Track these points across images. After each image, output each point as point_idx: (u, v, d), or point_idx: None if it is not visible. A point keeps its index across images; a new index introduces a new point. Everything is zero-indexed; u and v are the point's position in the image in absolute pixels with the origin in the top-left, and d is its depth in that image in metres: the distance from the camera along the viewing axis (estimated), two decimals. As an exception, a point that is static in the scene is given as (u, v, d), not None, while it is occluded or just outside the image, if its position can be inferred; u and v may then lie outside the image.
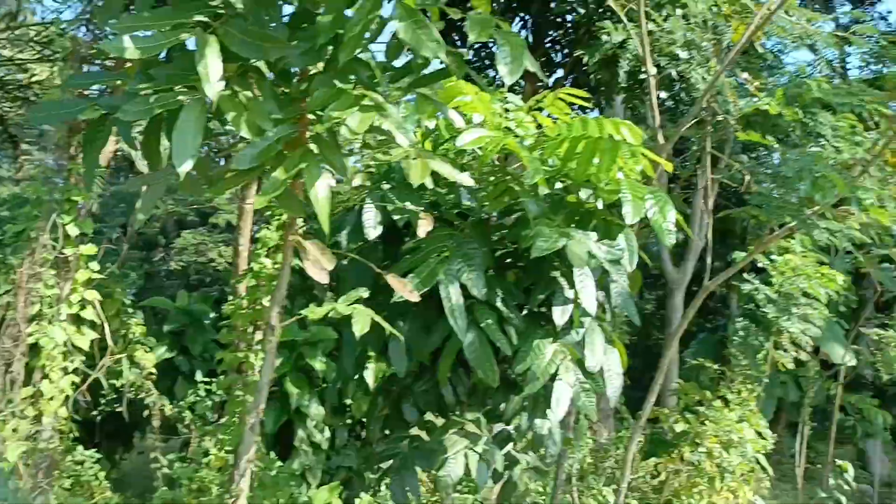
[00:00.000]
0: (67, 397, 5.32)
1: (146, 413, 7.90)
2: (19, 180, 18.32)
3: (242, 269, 9.01)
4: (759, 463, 8.22)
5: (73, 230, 5.50)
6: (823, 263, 8.38)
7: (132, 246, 26.82)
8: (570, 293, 4.15)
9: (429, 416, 5.21)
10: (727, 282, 10.83)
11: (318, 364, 8.39)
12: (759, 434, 8.24)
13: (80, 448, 7.25)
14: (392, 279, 3.86)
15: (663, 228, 3.96)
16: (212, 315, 9.41)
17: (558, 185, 4.42)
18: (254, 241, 6.58)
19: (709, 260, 7.30)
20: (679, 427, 8.05)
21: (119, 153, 6.27)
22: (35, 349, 5.29)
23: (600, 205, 4.18)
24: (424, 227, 4.23)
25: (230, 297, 9.18)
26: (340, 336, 8.75)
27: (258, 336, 6.09)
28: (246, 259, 9.26)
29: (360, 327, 3.59)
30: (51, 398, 5.23)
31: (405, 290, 3.88)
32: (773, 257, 8.58)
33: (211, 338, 9.18)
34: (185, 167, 2.55)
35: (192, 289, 26.56)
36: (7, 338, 5.21)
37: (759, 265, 8.86)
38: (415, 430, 5.30)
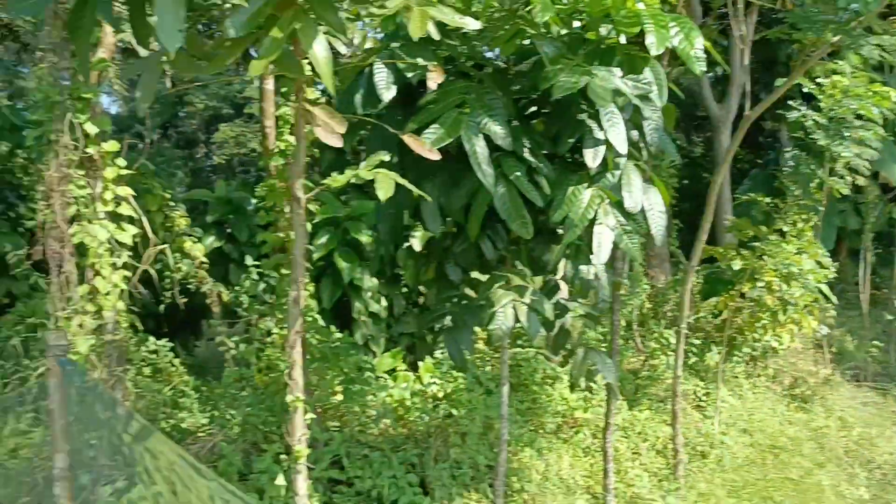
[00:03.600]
0: (122, 291, 5.43)
1: (209, 301, 8.15)
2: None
3: (270, 150, 8.94)
4: (821, 293, 8.06)
5: (91, 128, 5.41)
6: (876, 81, 7.80)
7: (174, 145, 27.05)
8: (599, 135, 3.98)
9: (474, 275, 5.20)
10: (776, 113, 10.27)
11: (364, 237, 8.43)
12: (820, 264, 8.03)
13: (151, 338, 7.58)
14: (408, 139, 3.72)
15: (691, 56, 3.70)
16: (253, 201, 9.45)
17: (576, 24, 4.13)
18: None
19: (749, 89, 6.85)
20: (736, 264, 7.89)
21: (120, 44, 6.05)
22: (81, 249, 5.36)
23: (622, 39, 3.87)
24: (435, 79, 4.04)
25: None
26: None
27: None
28: (273, 140, 9.17)
29: (383, 192, 3.50)
30: (107, 293, 5.35)
31: (423, 148, 3.73)
32: (820, 81, 8.02)
33: (255, 223, 9.25)
34: (174, 44, 2.47)
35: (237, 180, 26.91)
36: (53, 240, 5.29)
37: (807, 91, 8.33)
38: (463, 290, 5.31)
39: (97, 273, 5.44)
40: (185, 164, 25.59)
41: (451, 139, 3.94)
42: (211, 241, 8.59)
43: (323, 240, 8.25)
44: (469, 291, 5.19)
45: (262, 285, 7.40)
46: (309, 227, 4.23)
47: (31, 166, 11.56)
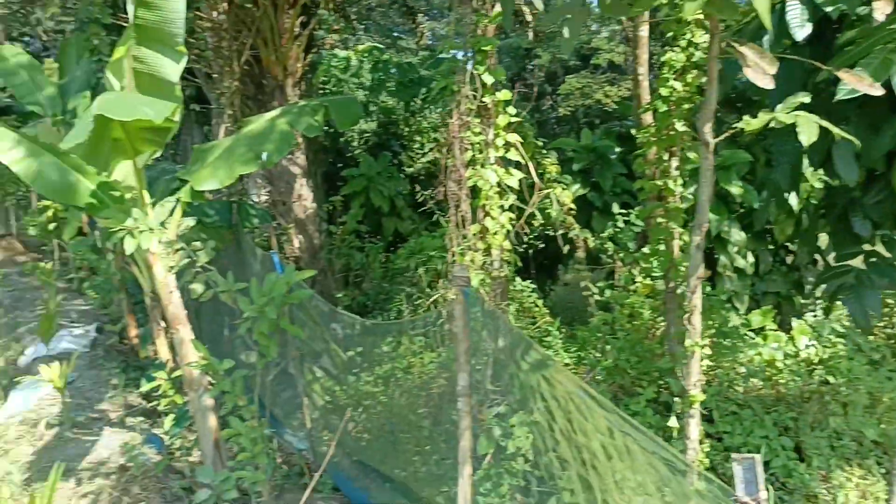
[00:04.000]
0: (508, 231, 5.86)
1: (567, 248, 8.45)
2: (419, 49, 20.36)
3: (645, 99, 8.85)
4: None
5: (487, 79, 5.83)
6: None
7: (521, 97, 28.25)
8: None
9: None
10: None
11: (735, 188, 7.99)
12: None
13: (517, 279, 8.10)
14: (844, 73, 3.38)
15: None
16: (617, 150, 9.49)
17: None
18: (658, 67, 6.28)
19: None
20: None
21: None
22: (474, 191, 5.87)
23: None
24: (882, 9, 3.57)
25: (633, 131, 9.12)
26: (754, 158, 8.19)
27: (674, 163, 5.91)
28: (646, 88, 9.05)
29: (807, 136, 3.23)
30: (494, 233, 5.82)
31: (863, 83, 3.36)
32: None
33: (618, 172, 9.32)
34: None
35: (579, 131, 27.39)
36: (452, 182, 5.88)
37: None
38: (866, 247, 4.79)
39: (487, 214, 5.92)
40: (532, 116, 26.56)
41: (878, 81, 3.51)
42: (576, 188, 8.86)
43: (690, 190, 8.00)
44: (880, 248, 4.65)
45: (629, 232, 7.43)
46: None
47: (412, 119, 13.04)
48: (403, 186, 10.58)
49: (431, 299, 6.68)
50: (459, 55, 6.21)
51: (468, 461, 4.51)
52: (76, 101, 13.19)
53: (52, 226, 15.87)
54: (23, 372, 9.43)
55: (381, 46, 13.21)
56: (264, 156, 5.86)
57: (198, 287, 4.97)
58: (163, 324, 7.91)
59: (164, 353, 7.77)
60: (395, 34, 20.76)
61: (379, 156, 10.89)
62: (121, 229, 4.86)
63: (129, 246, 4.83)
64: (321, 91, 12.46)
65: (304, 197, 10.02)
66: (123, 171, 5.63)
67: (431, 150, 12.18)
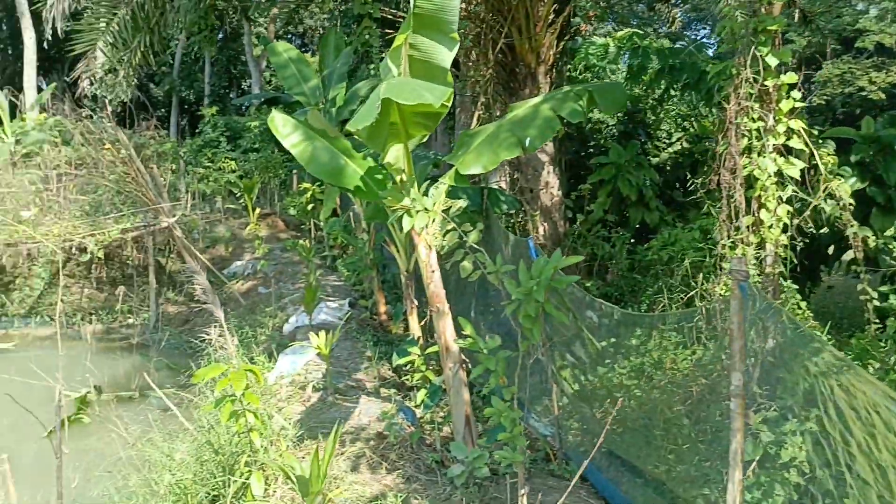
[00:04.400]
0: (785, 225, 5.40)
1: (832, 247, 7.62)
2: (668, 36, 19.58)
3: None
4: None
5: (771, 61, 5.38)
6: None
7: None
8: None
9: None
10: None
11: None
12: None
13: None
14: None
15: None
16: (904, 140, 8.39)
17: None
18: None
19: None
20: None
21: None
22: (749, 180, 5.47)
23: None
24: None
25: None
26: None
27: None
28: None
29: None
30: (770, 226, 5.39)
31: None
32: None
33: (905, 164, 8.23)
34: None
35: (838, 123, 24.81)
36: (725, 170, 5.53)
37: None
38: None
39: (762, 205, 5.49)
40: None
41: None
42: (853, 181, 7.97)
43: None
44: None
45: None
46: None
47: (659, 107, 12.56)
48: (652, 176, 10.21)
49: (689, 294, 6.35)
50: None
51: (738, 466, 4.22)
52: (336, 91, 14.25)
53: (310, 206, 17.39)
54: (287, 338, 10.40)
55: (641, 32, 12.86)
56: (527, 141, 5.89)
57: (466, 266, 5.11)
58: (415, 301, 8.30)
59: (415, 330, 8.15)
60: (636, 21, 20.16)
61: (626, 145, 10.62)
62: (398, 209, 5.11)
63: (406, 224, 5.07)
64: (573, 78, 12.40)
65: (551, 185, 10.03)
66: (395, 154, 5.92)
67: (679, 139, 11.64)
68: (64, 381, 10.12)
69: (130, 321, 14.99)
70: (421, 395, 6.74)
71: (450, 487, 5.46)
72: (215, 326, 9.25)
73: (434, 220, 5.10)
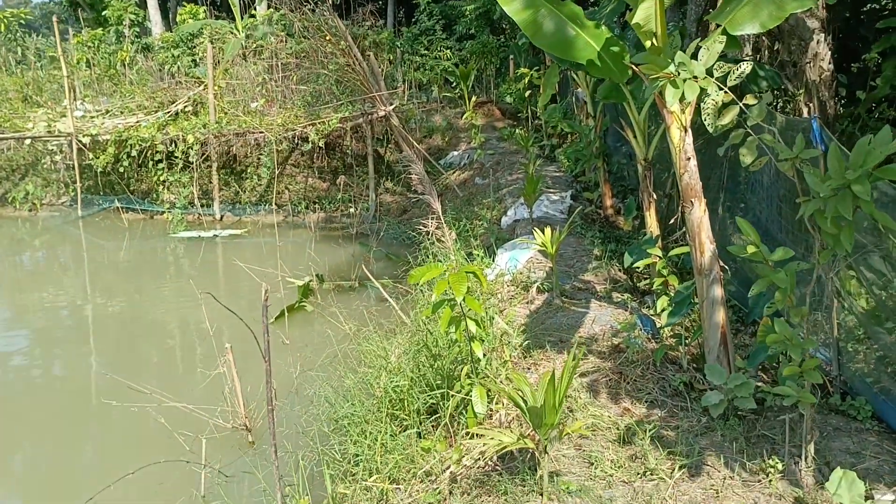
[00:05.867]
0: None
1: None
2: None
3: None
4: None
5: None
6: None
7: None
8: None
9: None
10: None
11: None
12: None
13: None
14: None
15: None
16: None
17: None
18: None
19: None
20: None
21: None
22: None
23: None
24: None
25: None
26: None
27: None
28: None
29: None
30: None
31: None
32: None
33: None
34: None
35: None
36: None
37: None
38: None
39: None
40: None
41: None
42: None
43: None
44: None
45: None
46: None
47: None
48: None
49: None
50: None
51: None
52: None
53: (527, 93, 16.35)
54: (506, 232, 9.71)
55: None
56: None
57: (746, 155, 3.91)
58: (654, 194, 7.15)
59: (652, 227, 7.04)
60: None
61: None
62: (661, 77, 3.97)
63: (670, 97, 3.94)
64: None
65: (821, 56, 8.15)
66: (646, 12, 4.72)
67: None
68: (289, 268, 10.29)
69: (351, 210, 15.18)
70: (661, 302, 5.71)
71: (706, 418, 4.49)
72: (432, 218, 8.75)
73: (710, 91, 3.91)
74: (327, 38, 16.30)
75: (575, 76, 11.14)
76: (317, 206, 15.19)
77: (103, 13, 24.77)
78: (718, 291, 4.80)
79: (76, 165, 14.72)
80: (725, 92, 3.93)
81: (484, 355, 4.79)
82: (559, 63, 8.81)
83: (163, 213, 14.67)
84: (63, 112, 15.13)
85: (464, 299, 4.15)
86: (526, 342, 5.47)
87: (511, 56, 21.06)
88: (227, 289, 11.52)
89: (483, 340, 4.87)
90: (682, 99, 4.00)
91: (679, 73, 3.94)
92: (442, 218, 8.80)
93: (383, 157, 16.39)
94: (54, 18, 15.83)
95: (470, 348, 4.36)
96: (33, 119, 15.03)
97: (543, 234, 6.59)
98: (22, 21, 22.62)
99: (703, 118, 4.10)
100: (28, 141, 14.93)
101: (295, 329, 8.66)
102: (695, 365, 5.26)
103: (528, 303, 6.53)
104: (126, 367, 7.84)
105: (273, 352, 4.02)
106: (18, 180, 15.54)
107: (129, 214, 14.92)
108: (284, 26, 19.35)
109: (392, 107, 14.93)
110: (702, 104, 4.10)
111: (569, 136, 14.14)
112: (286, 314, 8.93)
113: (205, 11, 23.50)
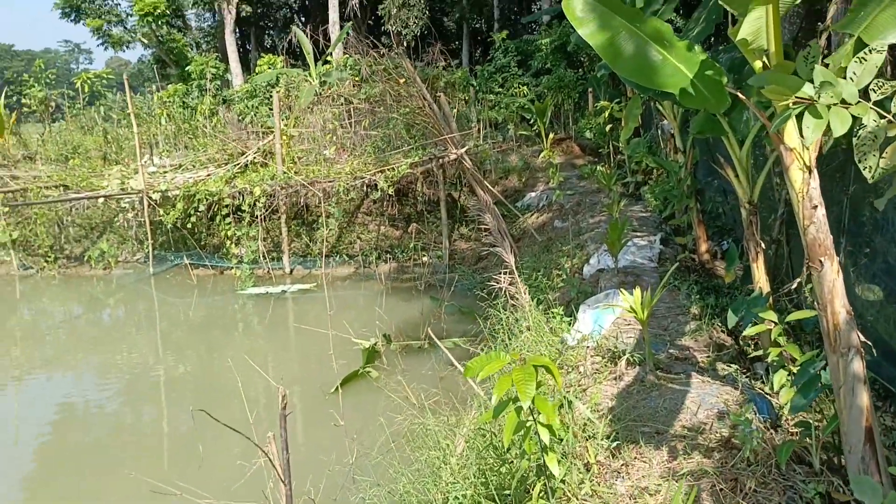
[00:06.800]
0: None
1: None
2: None
3: None
4: None
5: None
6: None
7: None
8: None
9: None
10: None
11: None
12: None
13: None
14: None
15: None
16: None
17: None
18: None
19: None
20: None
21: None
22: None
23: None
24: None
25: None
26: None
27: None
28: None
29: None
30: None
31: None
32: None
33: None
34: None
35: None
36: None
37: None
38: None
39: None
40: None
41: None
42: None
43: None
44: None
45: None
46: None
47: None
48: None
49: None
50: None
51: None
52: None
53: (607, 127, 15.39)
54: (588, 283, 8.74)
55: None
56: None
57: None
58: (761, 243, 6.09)
59: (761, 282, 5.96)
60: None
61: None
62: (793, 104, 3.04)
63: (810, 130, 3.00)
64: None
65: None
66: (755, 25, 3.80)
67: None
68: (357, 325, 9.62)
69: (424, 259, 14.49)
70: (779, 378, 4.66)
71: (855, 548, 3.44)
72: (506, 273, 7.92)
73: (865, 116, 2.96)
74: (398, 81, 15.86)
75: (660, 106, 10.14)
76: (389, 255, 14.58)
77: (186, 68, 25.35)
78: (859, 371, 3.76)
79: (148, 222, 14.63)
80: (890, 121, 2.97)
81: (561, 458, 3.89)
82: (641, 92, 7.87)
83: (231, 268, 14.35)
84: (136, 169, 15.14)
85: (532, 401, 3.28)
86: (614, 435, 4.51)
87: (590, 89, 20.16)
88: (297, 347, 10.96)
89: (561, 441, 3.97)
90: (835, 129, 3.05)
91: (820, 97, 3.01)
92: (516, 272, 7.94)
93: (457, 201, 15.69)
94: (125, 77, 15.99)
95: (542, 461, 3.47)
96: (108, 177, 15.09)
97: (632, 293, 5.65)
98: (105, 81, 23.36)
99: (856, 159, 3.13)
100: (101, 199, 14.97)
101: (358, 397, 7.93)
102: (830, 463, 4.18)
103: (615, 378, 5.55)
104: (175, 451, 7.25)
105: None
106: (96, 238, 15.60)
107: (198, 270, 14.66)
108: (358, 71, 19.12)
109: (465, 149, 14.24)
110: (854, 138, 3.13)
111: (654, 170, 13.08)
112: (340, 386, 8.21)
113: (282, 61, 23.66)
